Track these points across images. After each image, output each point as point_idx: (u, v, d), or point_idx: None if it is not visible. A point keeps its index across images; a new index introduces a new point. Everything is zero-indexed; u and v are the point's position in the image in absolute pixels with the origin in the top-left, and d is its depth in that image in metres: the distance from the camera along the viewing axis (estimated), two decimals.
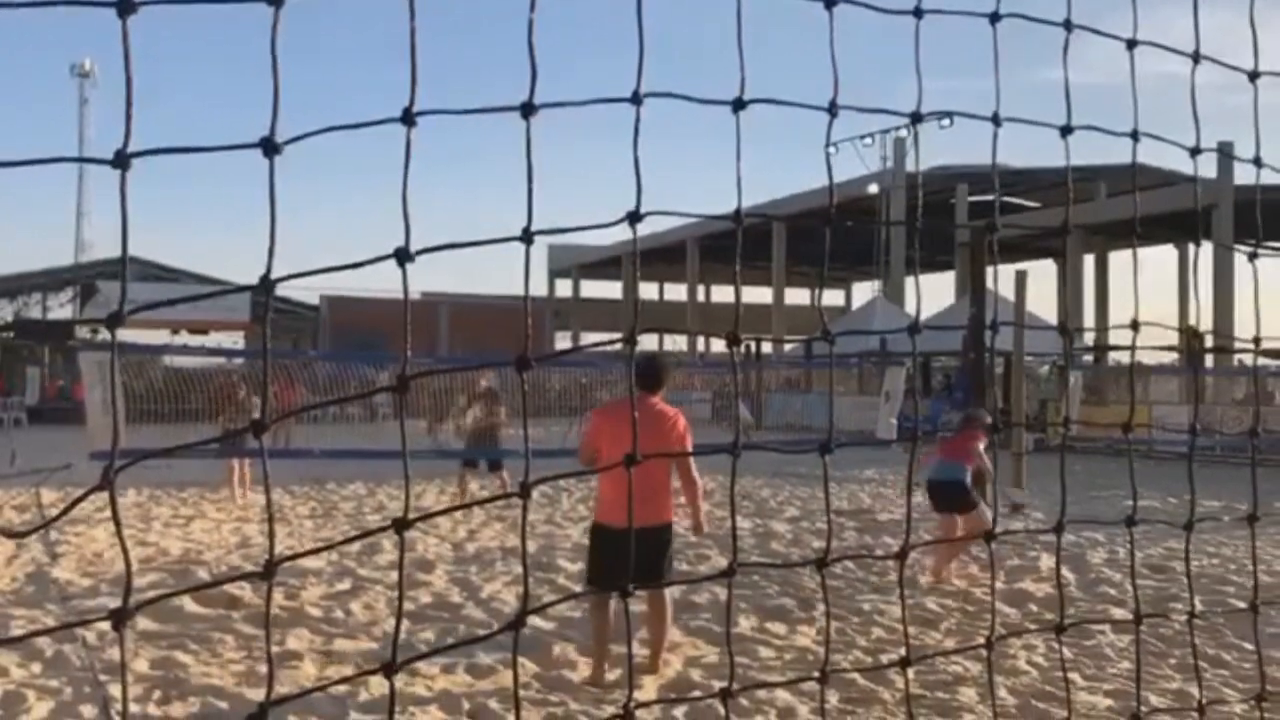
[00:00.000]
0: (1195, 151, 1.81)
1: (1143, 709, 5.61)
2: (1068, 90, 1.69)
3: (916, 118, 1.60)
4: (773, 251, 45.71)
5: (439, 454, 14.57)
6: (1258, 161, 1.86)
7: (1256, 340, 1.99)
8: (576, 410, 26.08)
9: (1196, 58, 1.78)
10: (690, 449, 6.17)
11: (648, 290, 62.13)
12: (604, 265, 57.19)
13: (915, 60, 1.49)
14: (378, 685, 5.92)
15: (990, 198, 40.99)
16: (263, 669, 6.32)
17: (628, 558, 5.81)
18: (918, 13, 1.54)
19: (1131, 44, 1.76)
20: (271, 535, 1.17)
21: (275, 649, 6.79)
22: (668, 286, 61.06)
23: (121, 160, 1.02)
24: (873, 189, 39.60)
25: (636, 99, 1.31)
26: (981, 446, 9.22)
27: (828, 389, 32.62)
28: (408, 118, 1.17)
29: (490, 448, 14.14)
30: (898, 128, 38.60)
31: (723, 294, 57.83)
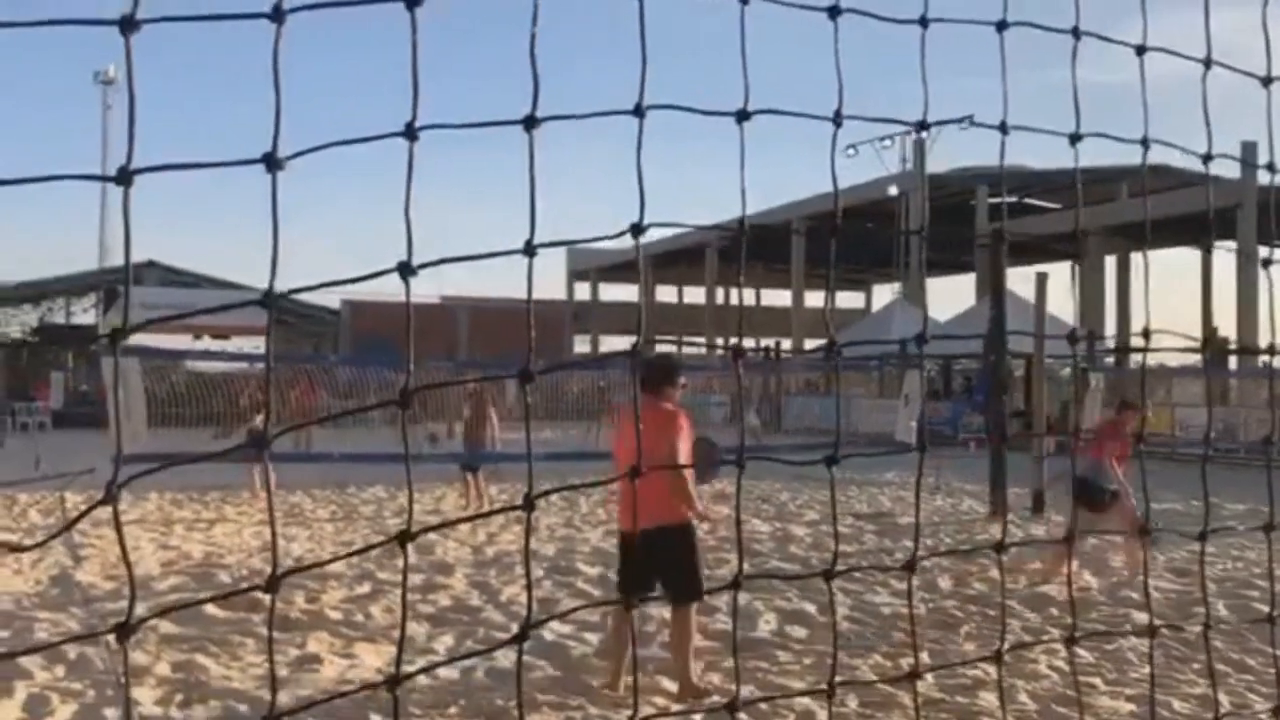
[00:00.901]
0: (1207, 158, 1.80)
1: (1165, 714, 5.58)
2: (1076, 98, 1.68)
3: (922, 126, 1.60)
4: (791, 254, 45.60)
5: (453, 458, 14.63)
6: (1270, 168, 1.85)
7: (1271, 348, 1.97)
8: (595, 413, 26.16)
9: (1208, 63, 1.77)
10: (680, 445, 6.00)
11: (666, 293, 62.04)
12: (623, 268, 57.13)
13: (921, 69, 1.49)
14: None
15: (1012, 199, 40.76)
16: (283, 672, 6.36)
17: (637, 561, 5.78)
18: (923, 22, 1.54)
19: (1141, 50, 1.75)
20: (275, 550, 1.18)
21: (296, 652, 6.82)
22: (689, 289, 60.93)
23: (124, 177, 1.03)
24: (893, 191, 39.44)
25: (639, 111, 1.30)
26: (1127, 428, 9.27)
27: (842, 396, 32.49)
28: (410, 132, 1.18)
29: (476, 448, 14.25)
30: (917, 127, 38.50)
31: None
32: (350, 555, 1.61)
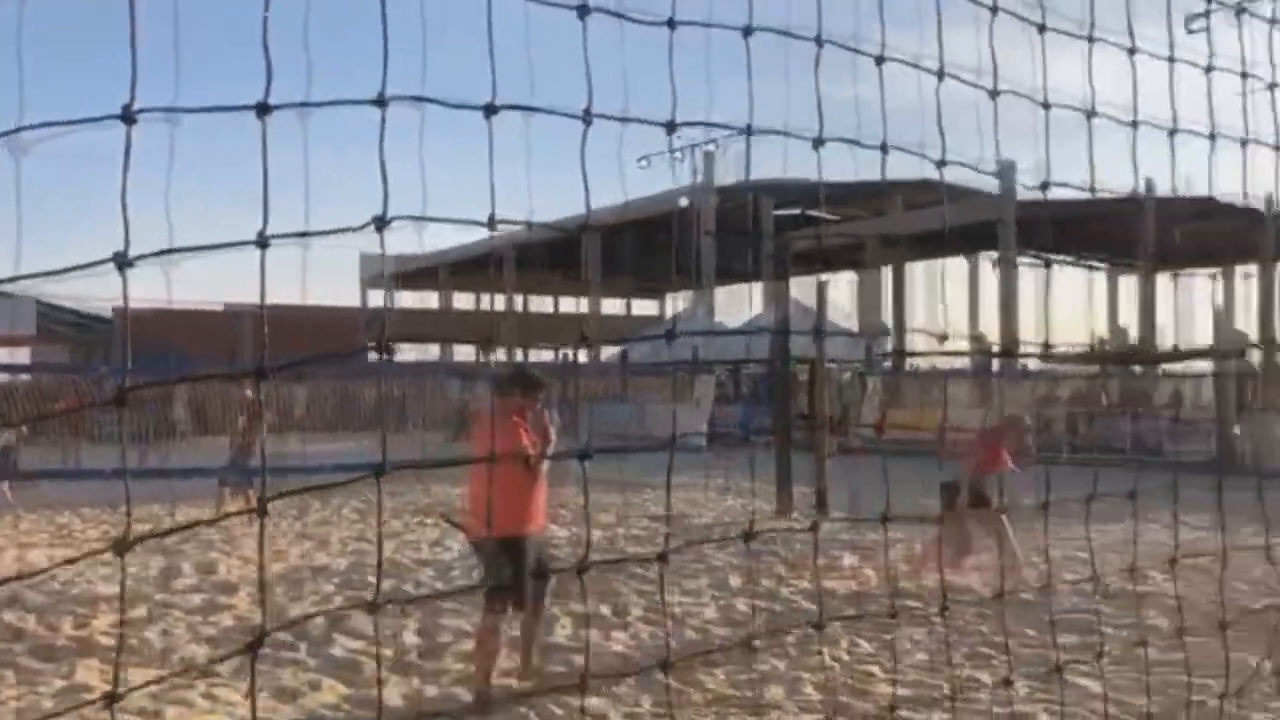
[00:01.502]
0: (941, 164, 1.93)
1: (934, 695, 5.92)
2: (819, 103, 1.78)
3: (670, 127, 1.64)
4: (582, 261, 45.99)
5: (214, 471, 14.21)
6: (999, 175, 2.00)
7: (1007, 349, 2.12)
8: (392, 424, 25.64)
9: (941, 75, 1.90)
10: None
11: (463, 300, 61.43)
12: (419, 275, 56.22)
13: (669, 69, 1.54)
14: (177, 714, 5.68)
15: (795, 211, 42.31)
16: (47, 704, 5.96)
17: None
18: (671, 24, 1.58)
19: (880, 60, 1.86)
20: None
21: (63, 683, 6.41)
22: (486, 296, 60.53)
23: None
24: (683, 202, 40.33)
25: (381, 102, 1.29)
26: (1006, 443, 9.55)
27: (638, 400, 33.05)
28: (127, 116, 1.12)
29: (247, 459, 13.89)
30: (708, 142, 39.39)
31: (542, 304, 57.94)
32: (60, 566, 1.52)
